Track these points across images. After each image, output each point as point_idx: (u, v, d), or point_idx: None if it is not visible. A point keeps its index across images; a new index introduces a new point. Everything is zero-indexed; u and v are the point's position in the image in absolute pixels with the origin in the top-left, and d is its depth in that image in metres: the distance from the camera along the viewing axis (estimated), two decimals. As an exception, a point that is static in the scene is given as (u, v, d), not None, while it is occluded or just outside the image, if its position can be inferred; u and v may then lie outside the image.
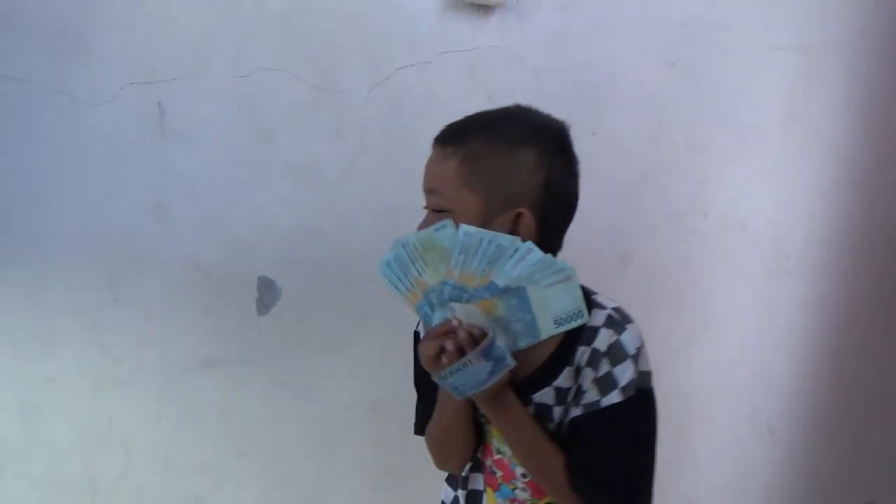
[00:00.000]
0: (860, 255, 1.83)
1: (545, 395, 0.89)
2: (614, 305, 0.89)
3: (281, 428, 1.48)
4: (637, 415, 0.87)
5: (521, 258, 0.79)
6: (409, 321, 1.44)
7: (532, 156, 0.84)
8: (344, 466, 1.54)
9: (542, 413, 0.90)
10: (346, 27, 1.30)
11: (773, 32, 1.56)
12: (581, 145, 1.53)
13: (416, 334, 1.04)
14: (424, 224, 0.88)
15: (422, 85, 1.35)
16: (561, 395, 0.88)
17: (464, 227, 0.79)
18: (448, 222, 0.80)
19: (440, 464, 1.02)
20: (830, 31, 1.63)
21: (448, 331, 0.81)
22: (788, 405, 1.90)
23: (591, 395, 0.86)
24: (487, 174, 0.83)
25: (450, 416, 0.93)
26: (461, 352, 0.79)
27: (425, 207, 0.90)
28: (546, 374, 0.88)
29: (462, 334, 0.80)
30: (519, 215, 0.84)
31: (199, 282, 1.35)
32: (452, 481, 1.05)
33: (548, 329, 0.83)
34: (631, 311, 0.91)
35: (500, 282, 0.81)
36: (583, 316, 0.83)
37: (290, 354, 1.44)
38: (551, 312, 0.83)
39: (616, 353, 0.85)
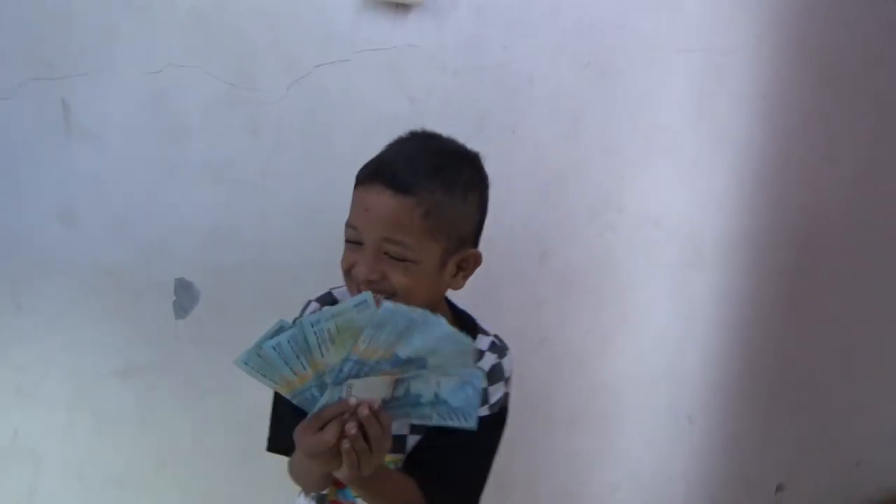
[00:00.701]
0: (766, 249, 1.94)
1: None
2: (495, 333, 1.00)
3: (202, 436, 1.44)
4: (496, 430, 0.98)
5: (429, 330, 0.76)
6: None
7: (477, 199, 0.92)
8: (269, 475, 1.50)
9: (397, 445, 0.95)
10: (260, 24, 1.28)
11: (682, 36, 1.64)
12: (500, 144, 1.57)
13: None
14: (369, 263, 0.86)
15: (340, 83, 1.34)
16: None
17: (385, 304, 0.75)
18: (369, 299, 0.75)
19: (305, 489, 1.03)
20: (735, 35, 1.72)
21: (344, 410, 0.75)
22: (705, 394, 1.99)
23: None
24: (447, 223, 0.87)
25: (314, 467, 0.87)
26: (364, 435, 0.75)
27: (351, 241, 0.90)
28: None
29: (364, 411, 0.75)
30: (470, 255, 0.92)
31: (110, 286, 1.30)
32: None
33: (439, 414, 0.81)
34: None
35: (403, 353, 0.77)
36: (470, 419, 0.81)
37: (210, 358, 1.41)
38: (446, 397, 0.80)
39: (495, 374, 0.96)
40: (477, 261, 0.94)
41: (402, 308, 0.75)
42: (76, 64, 1.19)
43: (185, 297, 1.36)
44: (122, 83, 1.22)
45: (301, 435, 0.78)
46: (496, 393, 0.97)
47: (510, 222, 1.53)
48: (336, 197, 1.42)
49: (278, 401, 0.97)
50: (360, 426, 0.75)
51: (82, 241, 1.27)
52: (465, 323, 1.00)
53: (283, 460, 1.49)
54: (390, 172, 0.87)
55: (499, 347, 0.99)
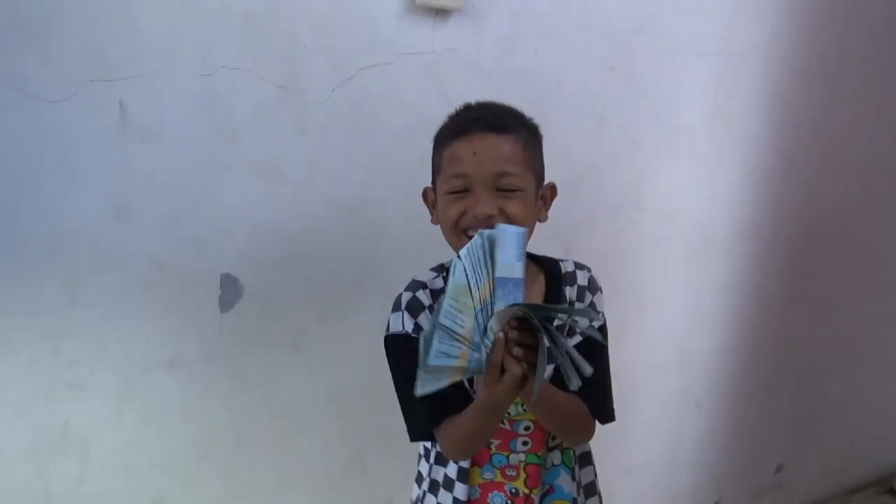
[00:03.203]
0: (772, 241, 2.03)
1: None
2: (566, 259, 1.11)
3: (243, 426, 1.49)
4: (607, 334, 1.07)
5: (504, 241, 0.82)
6: (368, 314, 1.49)
7: (541, 143, 1.05)
8: (305, 460, 1.56)
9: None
10: (309, 28, 1.32)
11: (700, 40, 1.71)
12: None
13: (393, 338, 1.03)
14: (487, 200, 0.93)
15: (383, 85, 1.39)
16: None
17: (462, 250, 0.80)
18: (455, 259, 0.80)
19: (464, 455, 1.02)
20: (749, 39, 1.80)
21: (500, 346, 0.80)
22: (712, 380, 2.07)
23: (583, 322, 1.01)
24: (536, 157, 1.01)
25: (500, 412, 0.92)
26: (528, 349, 0.80)
27: (456, 192, 0.96)
28: None
29: (514, 335, 0.80)
30: (549, 186, 1.05)
31: (160, 281, 1.34)
32: (441, 461, 1.09)
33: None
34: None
35: (500, 274, 0.82)
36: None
37: (252, 351, 1.45)
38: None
39: (593, 286, 1.08)
40: (554, 191, 1.06)
41: (475, 240, 0.80)
42: (133, 67, 1.23)
43: (229, 291, 1.41)
44: (176, 85, 1.26)
45: (485, 388, 0.83)
46: (600, 302, 1.07)
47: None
48: (377, 194, 1.48)
49: (408, 394, 1.00)
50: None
51: (135, 237, 1.30)
52: (539, 258, 1.09)
53: (318, 447, 1.55)
54: (484, 121, 0.96)
55: (582, 265, 1.09)
